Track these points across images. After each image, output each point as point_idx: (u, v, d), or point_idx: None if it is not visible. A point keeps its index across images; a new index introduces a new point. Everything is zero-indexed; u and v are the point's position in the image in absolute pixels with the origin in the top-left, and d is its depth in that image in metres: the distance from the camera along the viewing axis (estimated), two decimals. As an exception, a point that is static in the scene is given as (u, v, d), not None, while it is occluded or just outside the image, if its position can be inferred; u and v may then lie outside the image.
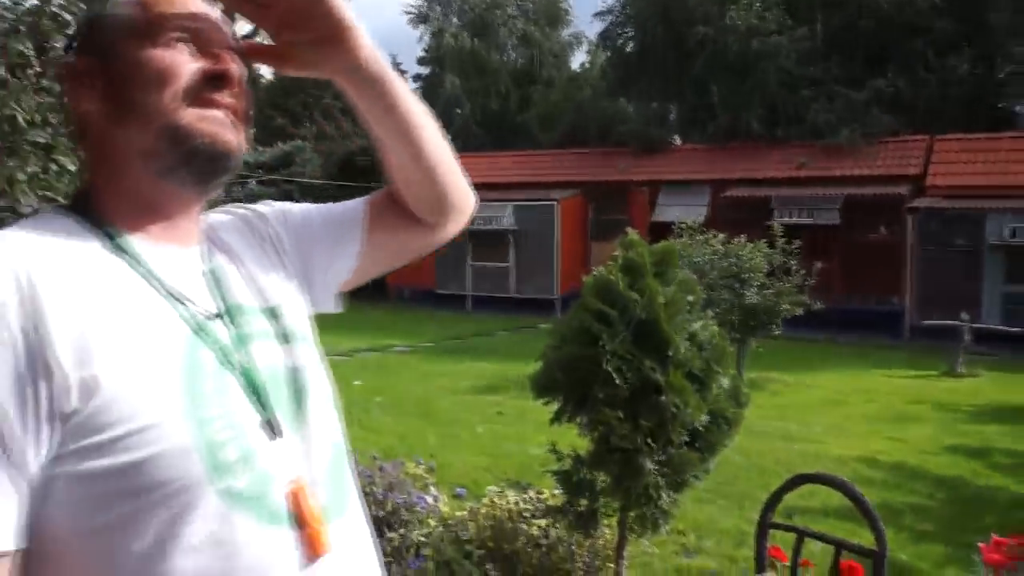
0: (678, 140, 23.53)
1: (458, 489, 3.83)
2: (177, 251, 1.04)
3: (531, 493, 3.47)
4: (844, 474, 5.37)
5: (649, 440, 2.77)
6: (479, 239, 20.96)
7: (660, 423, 2.77)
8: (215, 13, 1.04)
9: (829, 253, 16.42)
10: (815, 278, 11.24)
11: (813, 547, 3.07)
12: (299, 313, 1.15)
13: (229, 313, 1.04)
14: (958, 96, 20.34)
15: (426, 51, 30.19)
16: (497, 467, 6.94)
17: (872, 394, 10.82)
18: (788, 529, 3.14)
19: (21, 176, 4.52)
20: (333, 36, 1.05)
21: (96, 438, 0.86)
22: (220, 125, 1.01)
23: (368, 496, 3.72)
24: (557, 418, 2.93)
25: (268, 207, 1.25)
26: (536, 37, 29.30)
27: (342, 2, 1.04)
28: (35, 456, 0.86)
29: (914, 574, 4.84)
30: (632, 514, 2.93)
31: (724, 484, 6.34)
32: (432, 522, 3.50)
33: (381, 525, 3.67)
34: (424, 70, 30.80)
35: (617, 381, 2.72)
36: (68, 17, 4.60)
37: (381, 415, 8.68)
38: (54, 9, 4.57)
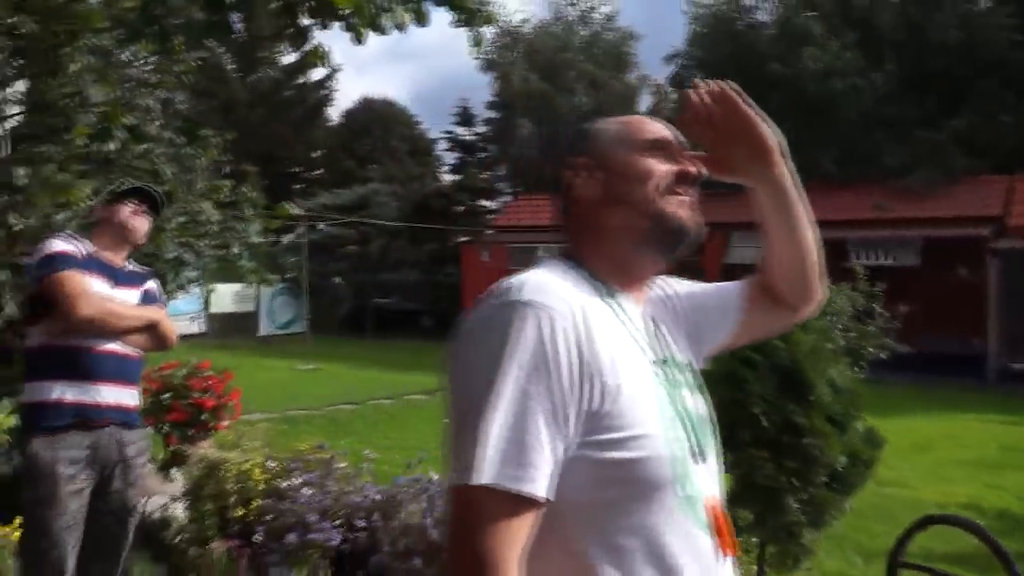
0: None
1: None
2: (635, 305, 1.39)
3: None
4: (950, 520, 5.36)
5: (793, 479, 2.88)
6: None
7: (803, 463, 2.88)
8: (675, 131, 1.42)
9: (910, 295, 16.22)
10: (899, 320, 11.16)
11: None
12: (699, 374, 1.45)
13: (664, 362, 1.35)
14: (1038, 135, 20.04)
15: (495, 95, 30.69)
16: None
17: (962, 439, 10.67)
18: (921, 569, 3.20)
19: (168, 226, 4.83)
20: (762, 154, 1.41)
21: (614, 435, 1.18)
22: (690, 211, 1.37)
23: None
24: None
25: (676, 284, 1.56)
26: (603, 80, 29.59)
27: (770, 127, 1.40)
28: (572, 436, 1.17)
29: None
30: (771, 550, 3.04)
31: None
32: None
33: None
34: (493, 114, 31.28)
35: (764, 423, 2.84)
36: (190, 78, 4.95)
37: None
38: (178, 69, 4.91)
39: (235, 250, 5.51)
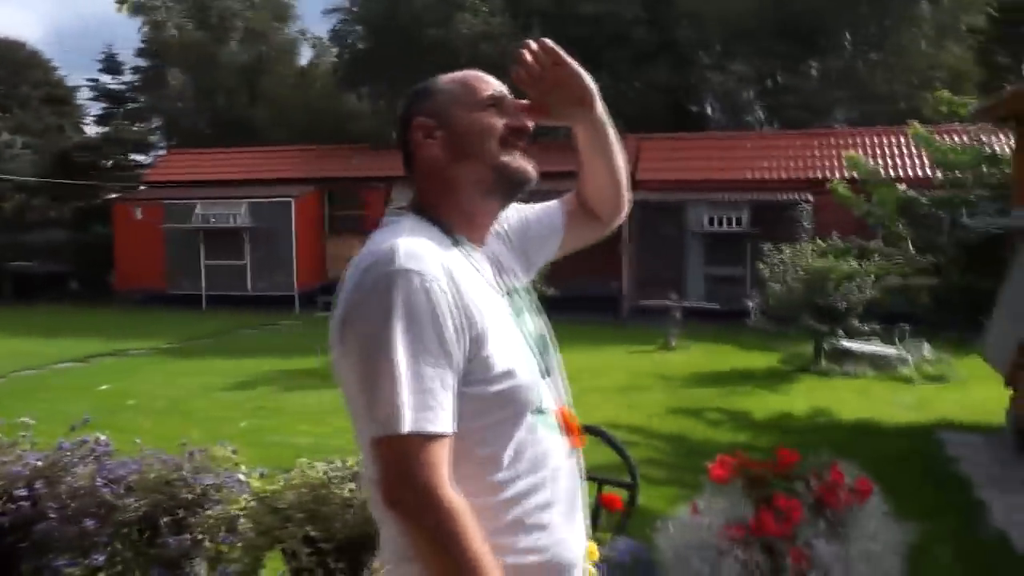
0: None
1: (259, 469, 4.10)
2: (480, 248, 1.61)
3: (337, 462, 3.84)
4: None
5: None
6: (213, 237, 20.43)
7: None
8: (505, 88, 1.62)
9: (556, 243, 17.65)
10: (546, 267, 12.19)
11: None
12: (531, 290, 1.71)
13: (510, 292, 1.61)
14: (661, 101, 22.56)
15: (144, 42, 28.66)
16: (265, 456, 7.13)
17: (602, 370, 11.98)
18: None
19: None
20: (583, 99, 1.65)
21: (488, 373, 1.45)
22: (526, 162, 1.61)
23: (178, 481, 3.92)
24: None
25: (505, 215, 1.74)
26: (263, 30, 28.75)
27: (586, 75, 1.62)
28: (459, 378, 1.42)
29: (652, 513, 5.69)
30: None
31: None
32: (245, 498, 3.78)
33: (193, 506, 3.89)
34: (143, 62, 29.22)
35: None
36: None
37: (137, 417, 8.49)
38: None
39: None
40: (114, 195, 23.32)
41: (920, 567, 3.45)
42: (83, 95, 29.46)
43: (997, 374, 7.76)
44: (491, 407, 1.47)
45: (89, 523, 3.87)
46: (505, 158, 1.58)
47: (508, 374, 1.47)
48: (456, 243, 1.55)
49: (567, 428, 1.61)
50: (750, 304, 13.05)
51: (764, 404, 9.57)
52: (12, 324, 17.35)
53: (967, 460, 7.09)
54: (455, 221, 1.58)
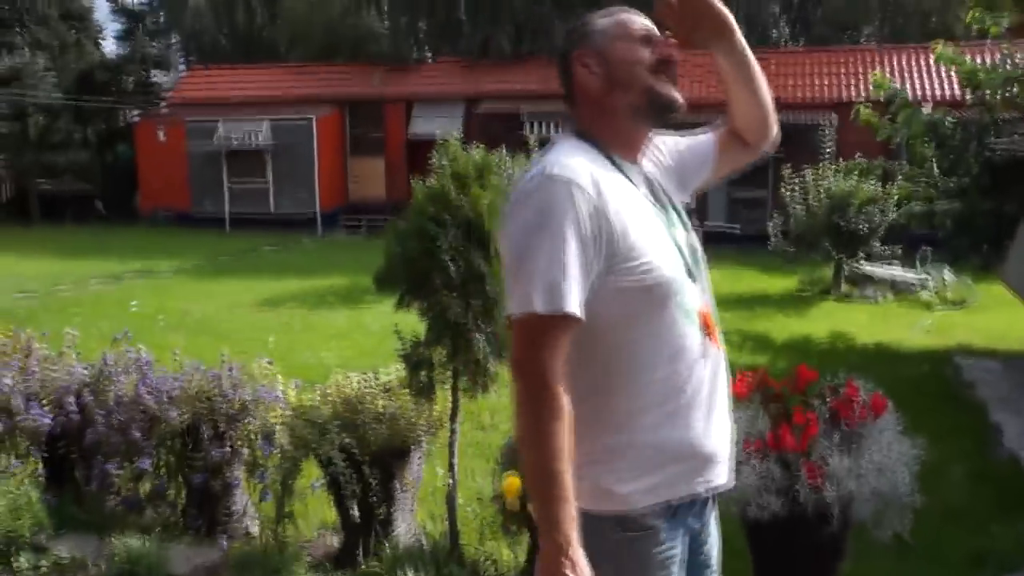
0: (430, 56, 23.92)
1: (294, 382, 4.26)
2: (636, 167, 1.80)
3: (370, 376, 3.99)
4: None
5: (479, 319, 3.38)
6: (235, 158, 20.51)
7: (487, 304, 3.38)
8: (652, 24, 1.81)
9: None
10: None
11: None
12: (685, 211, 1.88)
13: (663, 207, 1.79)
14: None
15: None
16: (294, 373, 7.33)
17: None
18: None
19: None
20: (723, 29, 1.80)
21: (628, 264, 1.64)
22: (674, 89, 1.77)
23: (217, 395, 4.10)
24: (399, 304, 3.48)
25: (659, 140, 1.91)
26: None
27: (723, 7, 1.77)
28: (597, 271, 1.61)
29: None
30: (463, 380, 3.55)
31: (506, 372, 7.14)
32: (282, 410, 3.95)
33: (232, 419, 4.07)
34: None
35: (451, 270, 3.30)
36: None
37: (168, 334, 8.72)
38: None
39: None
40: (136, 115, 23.33)
41: (932, 484, 3.58)
42: (100, 12, 29.17)
43: (1018, 300, 7.80)
44: (633, 297, 1.65)
45: (135, 432, 4.07)
46: (655, 85, 1.75)
47: (650, 267, 1.65)
48: (611, 160, 1.74)
49: (707, 329, 1.75)
50: (771, 227, 13.03)
51: (784, 327, 9.69)
52: (42, 244, 17.64)
53: (984, 384, 7.19)
54: (611, 141, 1.76)
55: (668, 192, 1.84)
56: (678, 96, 1.78)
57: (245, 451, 4.11)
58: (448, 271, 3.32)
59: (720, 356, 1.79)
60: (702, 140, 1.99)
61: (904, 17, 22.99)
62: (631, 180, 1.75)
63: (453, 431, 3.73)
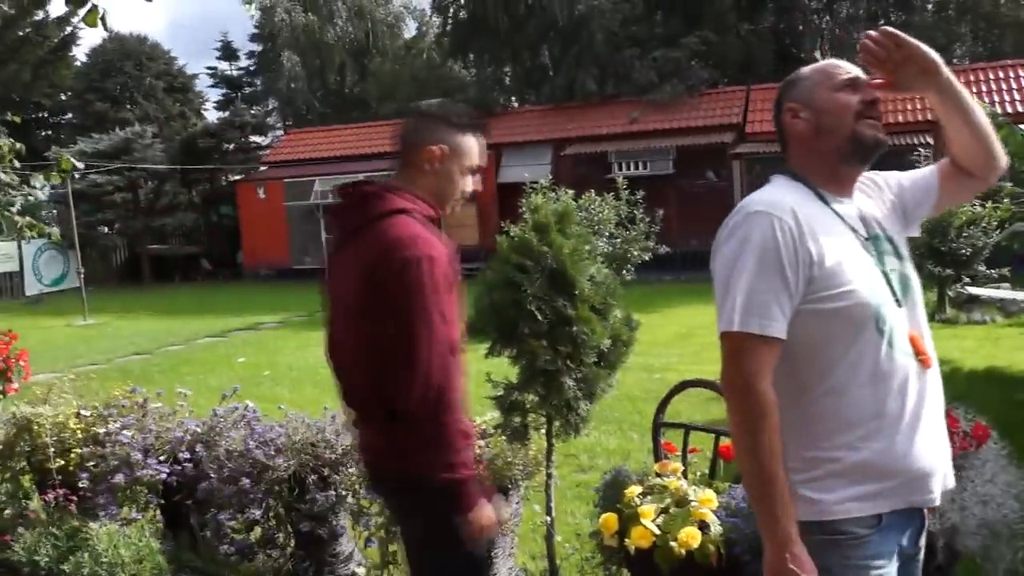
0: (515, 103, 24.32)
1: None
2: (846, 201, 1.92)
3: (476, 419, 4.11)
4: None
5: (567, 362, 3.47)
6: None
7: (574, 348, 3.46)
8: (858, 70, 1.95)
9: (666, 200, 17.62)
10: (658, 225, 12.15)
11: (698, 438, 3.84)
12: (905, 243, 1.99)
13: (872, 238, 1.89)
14: (767, 49, 21.99)
15: (257, 27, 29.65)
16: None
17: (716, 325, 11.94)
18: (677, 426, 3.89)
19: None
20: (927, 68, 1.88)
21: (827, 292, 1.76)
22: (878, 130, 1.89)
23: (321, 443, 4.26)
24: (490, 352, 3.58)
25: (881, 177, 2.06)
26: (368, 8, 29.29)
27: (927, 48, 1.87)
28: (798, 296, 1.76)
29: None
30: (556, 424, 3.63)
31: (601, 413, 7.15)
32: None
33: (336, 465, 4.22)
34: (256, 47, 30.25)
35: (538, 317, 3.39)
36: None
37: (274, 387, 9.02)
38: None
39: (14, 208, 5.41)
40: (237, 177, 24.35)
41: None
42: (202, 83, 30.75)
43: None
44: (831, 320, 1.77)
45: (245, 482, 4.26)
46: (858, 128, 1.88)
47: (849, 293, 1.76)
48: (820, 196, 1.88)
49: (918, 352, 1.84)
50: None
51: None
52: (154, 303, 18.50)
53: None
54: (820, 179, 1.90)
55: (883, 224, 1.94)
56: (882, 137, 1.90)
57: (350, 499, 4.25)
58: (535, 318, 3.42)
59: (932, 377, 1.87)
60: (924, 174, 2.08)
61: (1000, 30, 22.31)
62: (839, 213, 1.87)
63: (549, 474, 3.80)
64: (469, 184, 2.39)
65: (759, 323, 1.73)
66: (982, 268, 11.36)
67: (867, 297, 1.78)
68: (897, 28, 1.98)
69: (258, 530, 4.48)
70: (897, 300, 1.83)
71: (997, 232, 10.69)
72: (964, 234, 11.01)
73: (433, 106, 2.49)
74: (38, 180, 5.10)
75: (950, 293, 11.51)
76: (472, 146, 2.37)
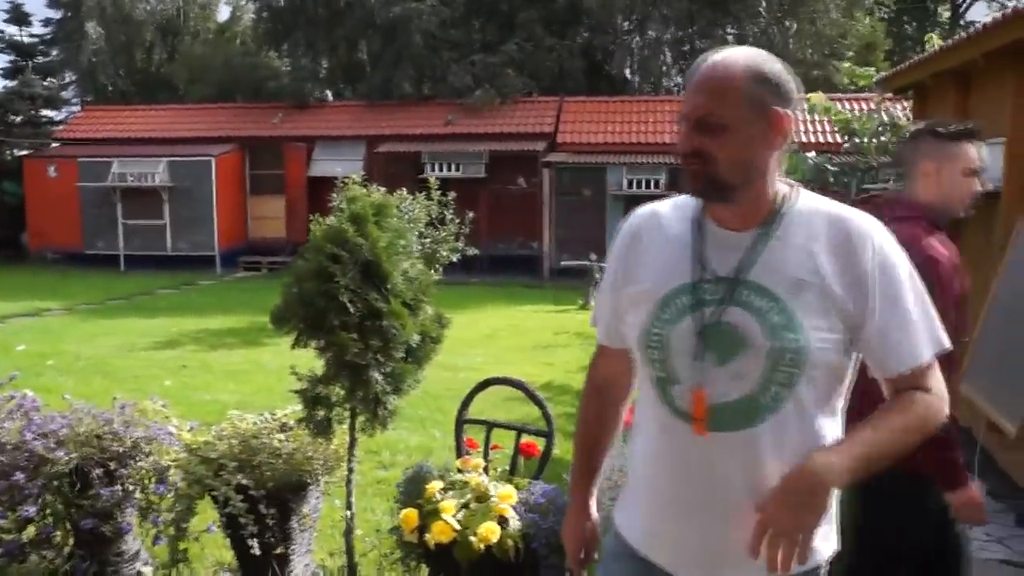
0: (331, 97, 23.91)
1: (189, 423, 4.21)
2: (730, 233, 1.59)
3: (267, 415, 3.99)
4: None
5: (377, 356, 3.44)
6: (131, 196, 20.02)
7: (384, 342, 3.45)
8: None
9: (477, 203, 17.83)
10: (468, 227, 12.27)
11: (500, 435, 3.92)
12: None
13: (702, 280, 1.58)
14: (580, 63, 22.77)
15: (55, -7, 27.57)
16: (191, 414, 7.20)
17: (522, 328, 12.26)
18: (478, 423, 3.96)
19: None
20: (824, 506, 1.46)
21: (625, 320, 1.70)
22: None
23: (108, 434, 4.02)
24: (296, 343, 3.50)
25: (882, 273, 1.56)
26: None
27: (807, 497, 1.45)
28: (613, 311, 1.77)
29: (567, 461, 5.98)
30: (361, 418, 3.60)
31: (404, 410, 7.09)
32: (176, 450, 3.91)
33: (124, 458, 4.00)
34: (55, 13, 28.07)
35: (350, 309, 3.36)
36: None
37: (58, 377, 8.44)
38: None
39: None
40: (25, 152, 22.58)
41: None
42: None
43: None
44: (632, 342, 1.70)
45: (19, 476, 3.95)
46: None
47: (633, 327, 1.67)
48: (696, 219, 1.64)
49: (693, 413, 1.55)
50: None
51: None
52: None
53: None
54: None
55: (780, 273, 1.54)
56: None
57: (138, 493, 4.04)
58: (346, 310, 3.38)
59: (717, 449, 1.58)
60: (887, 352, 1.58)
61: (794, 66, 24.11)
62: (695, 238, 1.62)
63: (351, 468, 3.76)
64: (974, 185, 2.65)
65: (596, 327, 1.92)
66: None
67: (642, 337, 1.66)
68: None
69: (32, 529, 4.17)
70: (694, 351, 1.55)
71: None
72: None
73: (922, 125, 2.78)
74: None
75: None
76: (965, 152, 2.63)
